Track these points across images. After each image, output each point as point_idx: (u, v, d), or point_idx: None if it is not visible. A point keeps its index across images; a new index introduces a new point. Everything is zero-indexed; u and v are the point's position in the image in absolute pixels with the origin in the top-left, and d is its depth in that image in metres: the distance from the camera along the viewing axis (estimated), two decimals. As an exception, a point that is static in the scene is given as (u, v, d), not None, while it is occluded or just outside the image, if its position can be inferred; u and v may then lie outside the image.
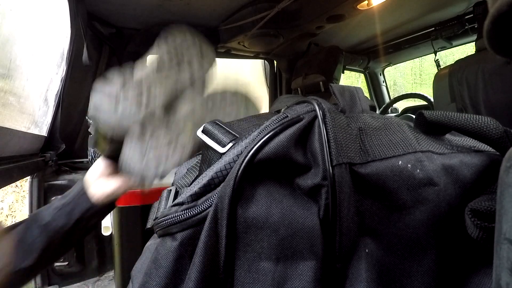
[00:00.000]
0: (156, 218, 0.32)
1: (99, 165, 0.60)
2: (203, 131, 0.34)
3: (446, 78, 1.14)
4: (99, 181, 0.59)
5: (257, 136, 0.28)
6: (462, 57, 1.16)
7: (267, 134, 0.28)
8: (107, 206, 0.60)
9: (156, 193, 0.78)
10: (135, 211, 0.76)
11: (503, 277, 0.17)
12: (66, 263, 1.13)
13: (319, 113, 0.29)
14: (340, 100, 0.33)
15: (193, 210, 0.28)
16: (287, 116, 0.30)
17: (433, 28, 1.56)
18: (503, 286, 0.17)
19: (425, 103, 1.72)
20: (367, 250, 0.27)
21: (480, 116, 0.28)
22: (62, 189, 1.15)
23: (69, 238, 0.57)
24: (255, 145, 0.27)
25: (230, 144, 0.31)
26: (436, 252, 0.28)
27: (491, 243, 0.20)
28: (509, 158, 0.18)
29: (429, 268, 0.27)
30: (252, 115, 0.40)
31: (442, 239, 0.28)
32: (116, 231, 0.80)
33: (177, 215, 0.28)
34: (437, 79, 1.20)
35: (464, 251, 0.28)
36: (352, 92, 0.35)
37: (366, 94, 2.38)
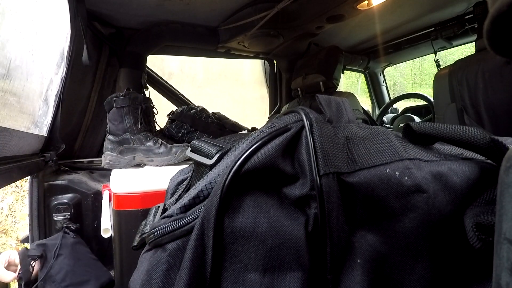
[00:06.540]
0: (143, 234, 0.32)
1: None
2: (191, 150, 0.35)
3: (446, 78, 1.14)
4: None
5: (245, 146, 0.28)
6: (462, 57, 1.16)
7: (254, 144, 0.28)
8: None
9: (155, 197, 0.79)
10: (135, 215, 0.76)
11: (503, 277, 0.17)
12: (66, 263, 1.13)
13: (306, 123, 0.29)
14: (326, 111, 0.33)
15: (181, 221, 0.28)
16: (275, 126, 0.30)
17: (433, 28, 1.56)
18: (503, 286, 0.17)
19: (425, 103, 1.72)
20: (358, 261, 0.27)
21: (466, 127, 0.28)
22: (62, 189, 1.15)
23: None
24: (242, 155, 0.27)
25: (217, 155, 0.31)
26: (428, 260, 0.27)
27: (491, 253, 0.20)
28: (509, 158, 0.18)
29: (421, 277, 0.27)
30: (238, 133, 0.41)
31: (434, 247, 0.27)
32: (116, 235, 0.80)
33: (166, 226, 0.29)
34: (437, 79, 1.20)
35: (459, 259, 0.28)
36: (339, 102, 0.35)
37: (366, 94, 2.38)
